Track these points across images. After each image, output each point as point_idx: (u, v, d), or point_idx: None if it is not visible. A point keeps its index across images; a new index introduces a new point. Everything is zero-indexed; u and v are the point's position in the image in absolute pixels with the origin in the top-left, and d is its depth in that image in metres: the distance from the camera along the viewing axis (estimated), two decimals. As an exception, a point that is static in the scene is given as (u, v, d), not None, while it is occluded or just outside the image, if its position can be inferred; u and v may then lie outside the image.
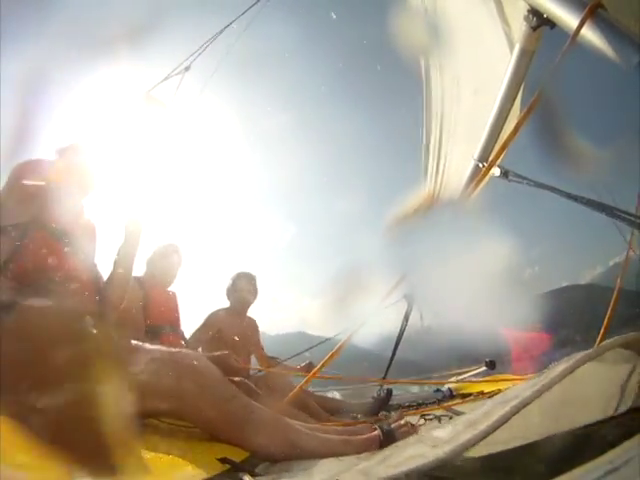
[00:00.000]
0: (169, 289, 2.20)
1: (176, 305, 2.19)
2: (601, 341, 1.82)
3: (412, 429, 1.11)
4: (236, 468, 0.73)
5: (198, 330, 2.47)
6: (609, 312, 1.77)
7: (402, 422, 1.10)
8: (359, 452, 0.92)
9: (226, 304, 2.71)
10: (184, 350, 0.93)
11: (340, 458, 0.84)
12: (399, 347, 3.46)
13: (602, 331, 1.83)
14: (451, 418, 1.52)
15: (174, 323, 2.12)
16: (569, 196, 1.69)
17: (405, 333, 3.43)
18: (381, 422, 1.09)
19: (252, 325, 2.75)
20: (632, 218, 1.12)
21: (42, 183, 1.13)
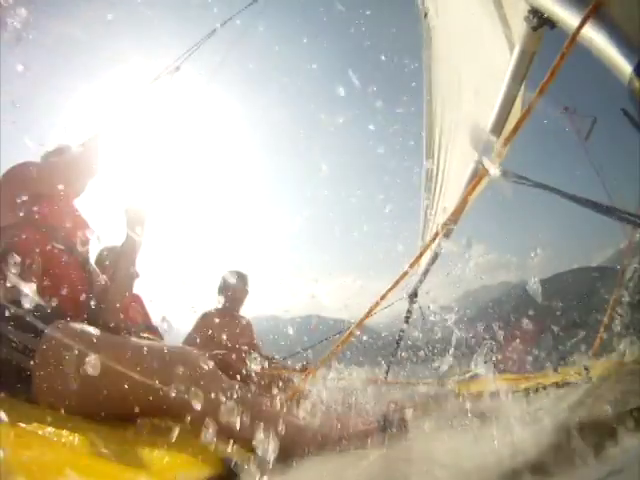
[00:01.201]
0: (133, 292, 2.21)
1: (142, 304, 2.18)
2: (598, 347, 1.84)
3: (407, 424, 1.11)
4: (236, 467, 0.73)
5: (192, 331, 2.45)
6: (611, 305, 1.77)
7: (398, 406, 1.10)
8: (358, 440, 0.93)
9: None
10: (182, 347, 0.93)
11: (341, 455, 0.85)
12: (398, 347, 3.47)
13: (599, 337, 1.85)
14: (450, 418, 1.52)
15: (146, 322, 2.10)
16: (568, 196, 1.69)
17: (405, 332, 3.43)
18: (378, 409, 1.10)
19: (246, 324, 2.74)
20: (632, 218, 1.12)
21: (34, 185, 1.14)
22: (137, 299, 2.19)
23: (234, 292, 2.66)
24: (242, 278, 2.73)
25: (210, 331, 2.41)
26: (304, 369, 2.46)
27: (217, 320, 2.51)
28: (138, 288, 2.24)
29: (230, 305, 2.66)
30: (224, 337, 2.40)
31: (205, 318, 2.54)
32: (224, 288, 2.66)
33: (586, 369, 1.61)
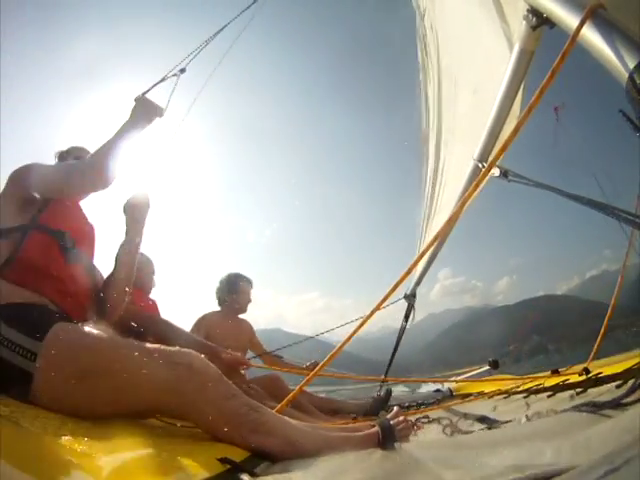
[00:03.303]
0: (150, 297, 2.24)
1: (157, 309, 2.22)
2: (597, 351, 1.85)
3: (412, 426, 1.11)
4: (236, 468, 0.73)
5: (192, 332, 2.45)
6: (605, 321, 1.78)
7: (401, 419, 1.10)
8: (358, 449, 0.93)
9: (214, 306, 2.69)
10: (183, 349, 0.93)
11: (340, 457, 0.84)
12: (394, 348, 3.49)
13: (598, 341, 1.85)
14: (450, 421, 1.52)
15: None
16: (569, 196, 1.69)
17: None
18: (380, 419, 1.10)
19: (247, 327, 2.74)
20: (632, 218, 1.12)
21: (42, 187, 1.14)
22: (152, 304, 2.22)
23: (242, 296, 2.67)
24: (245, 281, 2.74)
25: (207, 334, 2.41)
26: (312, 368, 2.47)
27: (216, 323, 2.52)
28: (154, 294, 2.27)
29: (233, 309, 2.66)
30: (223, 340, 2.40)
31: (203, 321, 2.54)
32: (229, 291, 2.67)
33: (586, 370, 1.61)
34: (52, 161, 1.42)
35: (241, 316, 2.71)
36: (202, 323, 2.51)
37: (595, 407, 0.92)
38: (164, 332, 1.78)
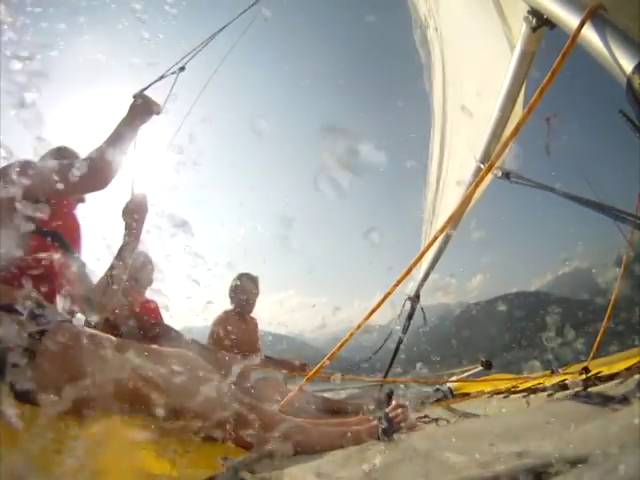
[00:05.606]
0: (149, 298, 2.26)
1: (158, 311, 2.23)
2: (598, 346, 1.85)
3: (409, 420, 1.12)
4: (236, 467, 0.73)
5: (212, 335, 2.49)
6: (606, 319, 1.78)
7: (399, 410, 1.11)
8: (358, 443, 0.94)
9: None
10: (180, 350, 0.93)
11: (340, 452, 0.85)
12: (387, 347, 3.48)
13: (598, 340, 1.86)
14: (447, 422, 1.51)
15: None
16: (569, 197, 1.70)
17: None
18: (379, 413, 1.10)
19: (255, 324, 2.79)
20: (632, 218, 1.12)
21: (31, 184, 1.12)
22: (151, 304, 2.23)
23: (247, 294, 2.71)
24: (253, 280, 2.77)
25: (227, 335, 2.45)
26: (303, 368, 2.49)
27: (232, 323, 2.57)
28: (152, 294, 2.29)
29: (243, 307, 2.70)
30: (237, 339, 2.44)
31: (222, 321, 2.58)
32: (237, 291, 2.71)
33: (586, 370, 1.61)
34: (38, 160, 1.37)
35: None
36: (215, 321, 2.56)
37: (600, 400, 0.91)
38: (164, 335, 1.80)
